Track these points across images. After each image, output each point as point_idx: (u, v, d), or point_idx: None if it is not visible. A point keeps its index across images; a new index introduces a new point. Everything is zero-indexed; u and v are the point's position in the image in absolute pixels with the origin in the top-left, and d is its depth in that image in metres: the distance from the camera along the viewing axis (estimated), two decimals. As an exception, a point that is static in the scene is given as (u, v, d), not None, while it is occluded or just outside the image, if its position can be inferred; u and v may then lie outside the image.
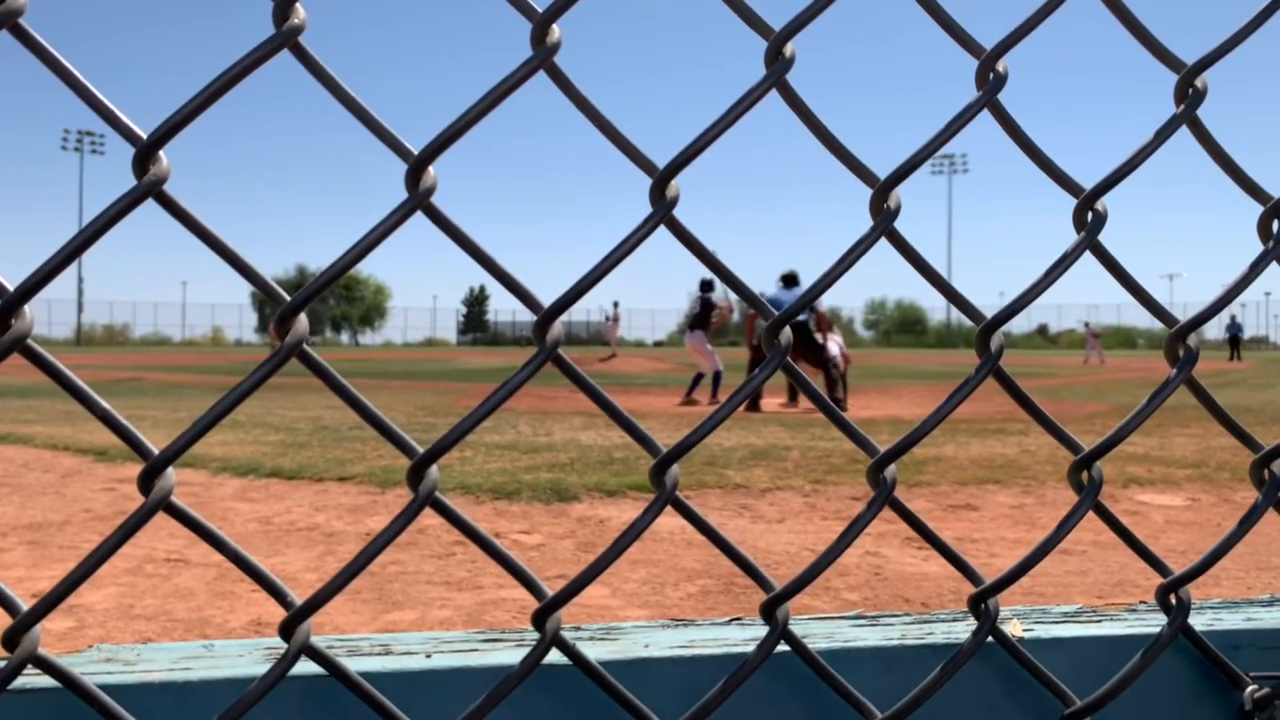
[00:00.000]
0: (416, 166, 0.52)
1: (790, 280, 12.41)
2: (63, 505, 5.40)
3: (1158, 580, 0.66)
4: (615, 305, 36.86)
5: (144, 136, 0.50)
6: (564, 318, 0.56)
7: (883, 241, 0.60)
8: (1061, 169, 0.62)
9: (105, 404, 0.49)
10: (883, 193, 0.58)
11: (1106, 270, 0.62)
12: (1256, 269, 0.63)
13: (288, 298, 0.51)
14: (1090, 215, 0.61)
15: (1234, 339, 42.23)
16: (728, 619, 0.68)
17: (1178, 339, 0.63)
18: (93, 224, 0.48)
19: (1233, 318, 45.59)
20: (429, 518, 4.76)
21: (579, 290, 0.54)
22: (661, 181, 0.55)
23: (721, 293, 13.44)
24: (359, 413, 0.53)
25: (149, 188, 0.49)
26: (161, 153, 0.50)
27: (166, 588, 3.82)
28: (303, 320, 0.51)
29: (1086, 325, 42.39)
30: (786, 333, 0.58)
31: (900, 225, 0.60)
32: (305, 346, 0.52)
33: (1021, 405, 0.62)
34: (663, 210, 0.55)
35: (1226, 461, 7.11)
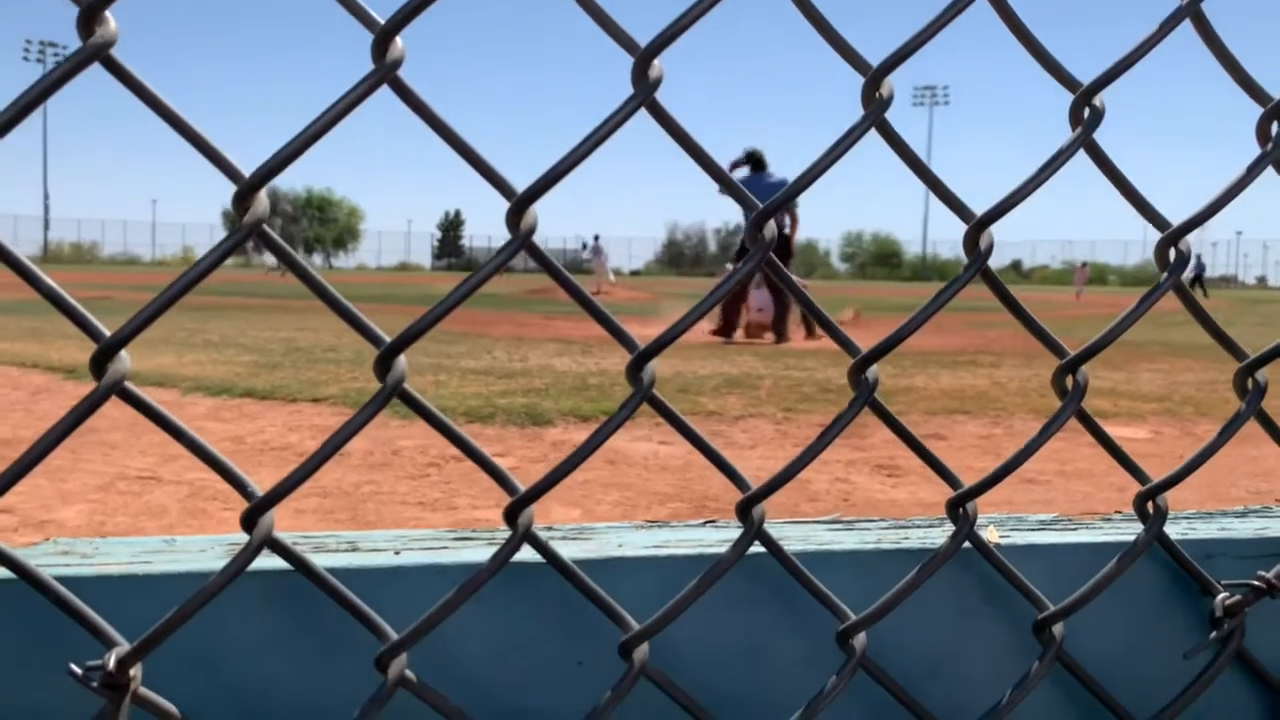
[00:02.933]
0: (383, 37, 0.49)
1: (758, 163, 10.15)
2: (32, 422, 5.34)
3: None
4: (596, 238, 35.63)
5: (88, -5, 0.46)
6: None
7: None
8: (1058, 62, 0.60)
9: (51, 281, 0.47)
10: (874, 81, 0.56)
11: (1099, 169, 0.60)
12: (1253, 172, 0.61)
13: (246, 174, 0.48)
14: (1087, 111, 0.59)
15: (1197, 277, 42.54)
16: (702, 521, 0.67)
17: (1168, 243, 0.62)
18: (37, 85, 0.45)
19: (1198, 256, 45.98)
20: (403, 439, 4.77)
21: (556, 174, 0.51)
22: (644, 60, 0.52)
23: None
24: (321, 296, 0.51)
25: (95, 50, 0.46)
26: (108, 13, 0.46)
27: (138, 505, 3.81)
28: (263, 198, 0.49)
29: (1083, 265, 43.70)
30: (771, 227, 0.56)
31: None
32: (265, 227, 0.49)
33: (1008, 307, 0.61)
34: (645, 93, 0.52)
35: (1191, 396, 7.22)
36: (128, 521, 3.60)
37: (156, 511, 3.73)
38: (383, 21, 0.50)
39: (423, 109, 0.50)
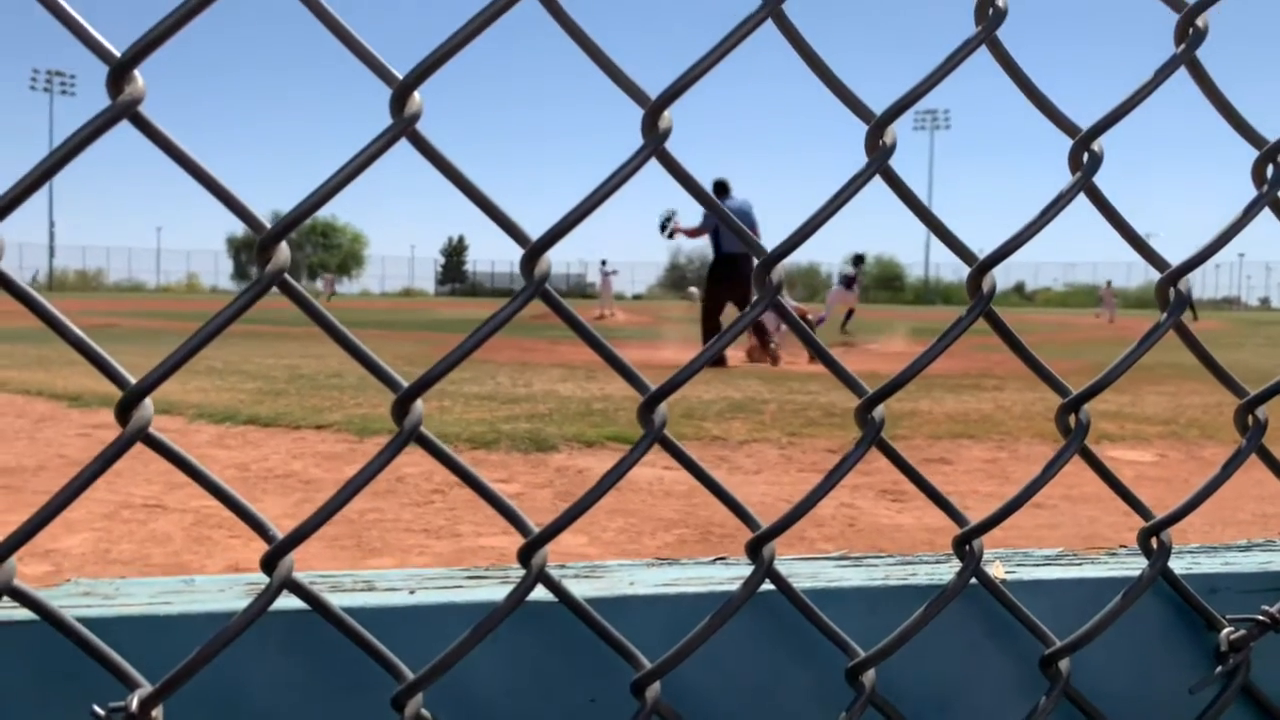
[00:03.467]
0: (401, 92, 0.51)
1: (721, 187, 10.86)
2: (36, 450, 5.35)
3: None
4: (603, 264, 35.55)
5: (118, 55, 0.48)
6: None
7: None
8: (1058, 108, 0.62)
9: (79, 331, 0.48)
10: (878, 129, 0.57)
11: (1100, 212, 0.61)
12: (1249, 214, 0.62)
13: (268, 225, 0.50)
14: (1086, 156, 0.60)
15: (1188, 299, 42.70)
16: (712, 558, 0.68)
17: (1168, 283, 0.63)
18: (65, 144, 0.46)
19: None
20: (408, 466, 4.77)
21: (569, 222, 0.53)
22: (654, 112, 0.53)
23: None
24: (342, 345, 0.52)
25: (124, 108, 0.47)
26: (136, 72, 0.48)
27: (143, 533, 3.81)
28: (284, 249, 0.50)
29: (1108, 284, 44.02)
30: (779, 271, 0.57)
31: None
32: (286, 277, 0.50)
33: (1011, 347, 0.62)
34: (655, 143, 0.54)
35: (1196, 419, 7.21)
36: (133, 549, 3.60)
37: (162, 539, 3.73)
38: (401, 76, 0.51)
39: (440, 161, 0.52)
